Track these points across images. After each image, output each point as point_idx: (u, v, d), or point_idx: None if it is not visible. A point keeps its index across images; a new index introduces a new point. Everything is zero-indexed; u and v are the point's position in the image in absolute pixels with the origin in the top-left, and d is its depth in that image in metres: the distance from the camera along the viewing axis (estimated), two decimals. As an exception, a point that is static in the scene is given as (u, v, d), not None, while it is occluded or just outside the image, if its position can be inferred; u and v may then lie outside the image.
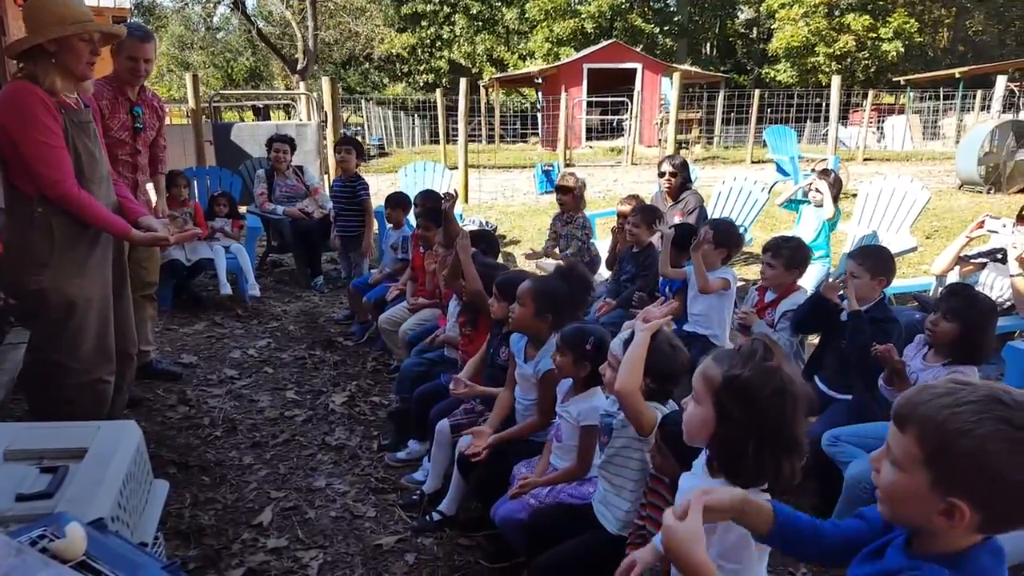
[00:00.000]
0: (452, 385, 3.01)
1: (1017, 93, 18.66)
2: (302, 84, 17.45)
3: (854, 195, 6.43)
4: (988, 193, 11.08)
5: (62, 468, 1.71)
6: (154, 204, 4.19)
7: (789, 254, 3.42)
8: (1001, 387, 1.10)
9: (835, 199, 5.03)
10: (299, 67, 26.13)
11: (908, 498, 1.13)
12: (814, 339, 3.59)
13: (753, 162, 16.82)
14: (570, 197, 5.16)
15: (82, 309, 2.79)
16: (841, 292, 3.14)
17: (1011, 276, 3.67)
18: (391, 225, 5.29)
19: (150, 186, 4.18)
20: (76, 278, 2.77)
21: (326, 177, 8.66)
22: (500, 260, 7.28)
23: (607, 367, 2.23)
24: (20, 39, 2.70)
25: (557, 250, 5.32)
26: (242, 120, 24.96)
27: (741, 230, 6.09)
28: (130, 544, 1.22)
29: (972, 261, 3.99)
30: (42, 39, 2.64)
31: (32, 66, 2.68)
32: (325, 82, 8.97)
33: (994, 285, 3.81)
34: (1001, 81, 15.13)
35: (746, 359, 1.55)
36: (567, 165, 16.05)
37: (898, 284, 4.77)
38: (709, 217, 5.68)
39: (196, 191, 6.46)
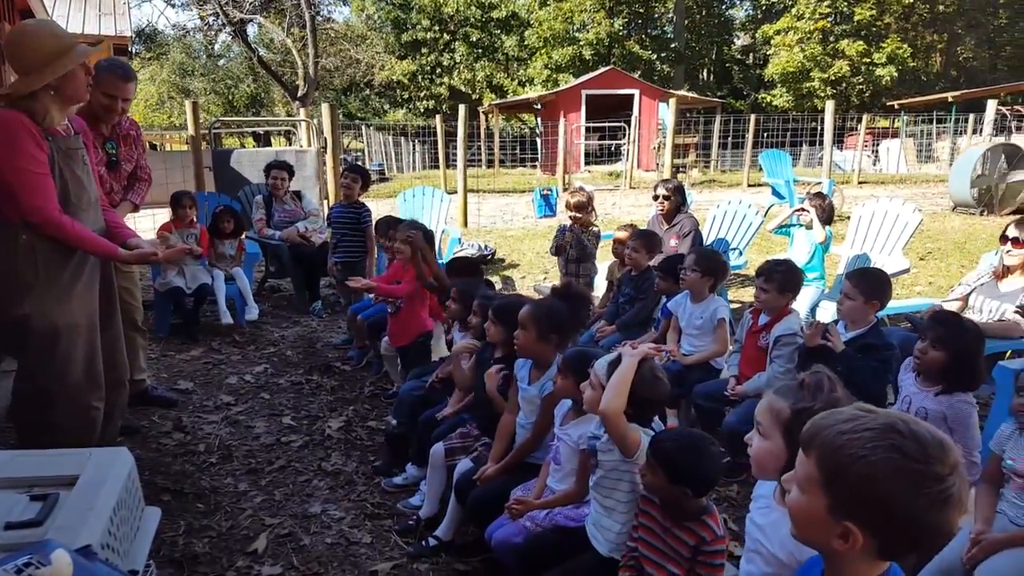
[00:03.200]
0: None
1: (1009, 117, 18.83)
2: (302, 111, 17.58)
3: (848, 218, 6.47)
4: (981, 215, 11.14)
5: (52, 496, 1.71)
6: None
7: (781, 278, 3.43)
8: (900, 416, 1.12)
9: (826, 223, 5.05)
10: (300, 94, 26.37)
11: (810, 520, 1.16)
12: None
13: (749, 185, 16.94)
14: (585, 213, 5.06)
15: (68, 336, 2.77)
16: (827, 331, 3.13)
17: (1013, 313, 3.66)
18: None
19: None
20: (61, 304, 2.76)
21: (325, 203, 8.71)
22: (499, 284, 7.32)
23: (587, 386, 2.24)
24: (23, 83, 2.67)
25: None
26: (243, 146, 25.18)
27: (736, 253, 6.14)
28: (117, 571, 1.22)
29: (964, 298, 4.00)
30: (52, 77, 2.66)
31: (31, 103, 2.67)
32: (324, 108, 9.05)
33: (983, 308, 3.82)
34: (991, 105, 15.27)
35: (814, 392, 1.66)
36: (565, 189, 16.13)
37: (892, 305, 4.77)
38: (704, 240, 5.72)
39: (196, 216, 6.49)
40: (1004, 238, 3.77)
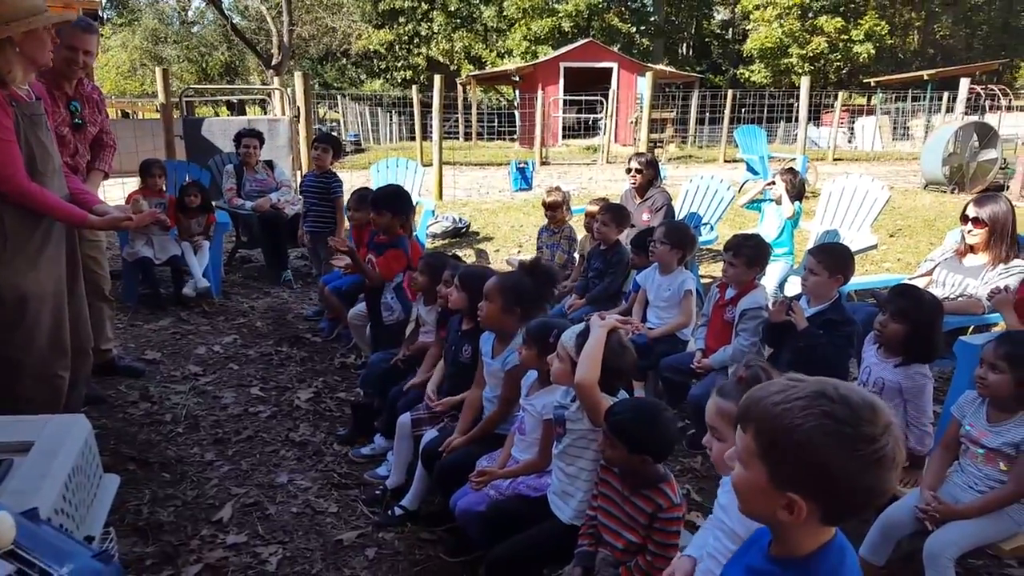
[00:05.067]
0: (427, 401, 3.04)
1: (982, 95, 18.99)
2: (276, 79, 17.30)
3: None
4: (952, 193, 11.28)
5: (6, 461, 1.70)
6: None
7: (750, 252, 3.46)
8: (831, 383, 1.13)
9: (795, 198, 5.09)
10: (274, 62, 25.92)
11: (753, 493, 1.17)
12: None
13: (726, 161, 16.98)
14: (559, 211, 5.15)
15: (35, 304, 2.75)
16: (790, 308, 3.16)
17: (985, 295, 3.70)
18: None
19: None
20: (29, 272, 2.74)
21: (298, 173, 8.61)
22: (474, 257, 7.31)
23: (555, 358, 2.26)
24: None
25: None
26: (217, 115, 24.74)
27: (707, 227, 6.18)
28: (63, 534, 1.22)
29: (929, 272, 4.05)
30: (17, 31, 2.59)
31: None
32: (298, 77, 8.91)
33: (946, 282, 3.86)
34: (964, 83, 15.39)
35: (752, 385, 1.65)
36: (543, 163, 16.10)
37: (859, 280, 4.85)
38: (676, 215, 5.75)
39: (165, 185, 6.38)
40: (964, 217, 3.79)
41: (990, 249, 3.73)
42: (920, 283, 3.92)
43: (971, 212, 3.75)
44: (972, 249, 3.83)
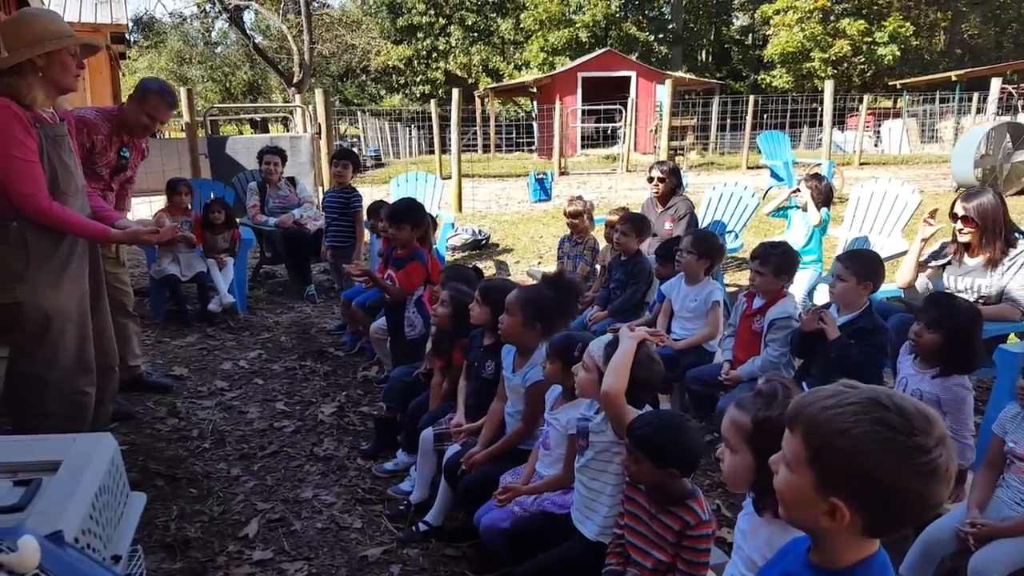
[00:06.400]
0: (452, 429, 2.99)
1: (1014, 95, 18.65)
2: (298, 97, 17.50)
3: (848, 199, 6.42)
4: (984, 195, 11.03)
5: (35, 481, 1.71)
6: None
7: (777, 261, 3.39)
8: (885, 391, 1.11)
9: (823, 205, 5.01)
10: (295, 80, 26.23)
11: (798, 499, 1.15)
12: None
13: (749, 168, 16.85)
14: (581, 221, 5.13)
15: (59, 322, 2.79)
16: (821, 318, 3.09)
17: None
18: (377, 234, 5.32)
19: None
20: (51, 290, 2.78)
21: (320, 189, 8.68)
22: (493, 269, 7.30)
23: (580, 367, 2.23)
24: (10, 57, 2.68)
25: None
26: (241, 133, 25.08)
27: (732, 235, 6.11)
28: (88, 556, 1.21)
29: (930, 266, 3.91)
30: (34, 53, 2.66)
31: (15, 80, 2.69)
32: (318, 94, 9.00)
33: (956, 286, 3.72)
34: (996, 83, 15.08)
35: (770, 400, 1.67)
36: (562, 173, 16.10)
37: (891, 287, 4.74)
38: (700, 223, 5.69)
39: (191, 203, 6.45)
40: (954, 216, 3.64)
41: (983, 245, 3.58)
42: (910, 262, 3.86)
43: (960, 211, 3.59)
44: (968, 248, 3.67)
